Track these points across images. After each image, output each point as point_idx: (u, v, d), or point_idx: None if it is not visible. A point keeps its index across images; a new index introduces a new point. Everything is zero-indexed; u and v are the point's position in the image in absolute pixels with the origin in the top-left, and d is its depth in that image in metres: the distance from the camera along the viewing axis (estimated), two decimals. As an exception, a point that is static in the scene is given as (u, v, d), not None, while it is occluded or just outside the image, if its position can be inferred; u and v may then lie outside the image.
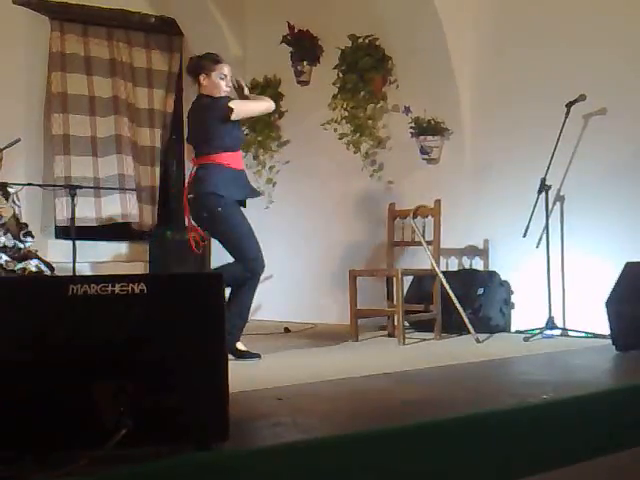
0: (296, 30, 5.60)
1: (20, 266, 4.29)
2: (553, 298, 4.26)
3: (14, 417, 1.67)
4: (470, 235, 4.84)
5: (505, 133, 4.70)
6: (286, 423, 2.18)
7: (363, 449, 1.82)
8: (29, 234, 4.57)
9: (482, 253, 4.82)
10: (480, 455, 1.94)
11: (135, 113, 6.27)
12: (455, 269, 4.89)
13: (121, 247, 6.41)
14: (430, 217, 4.53)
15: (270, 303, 5.92)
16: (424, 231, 4.53)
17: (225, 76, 3.77)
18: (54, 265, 4.59)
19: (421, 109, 4.89)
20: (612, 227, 4.21)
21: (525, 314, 4.56)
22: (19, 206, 4.65)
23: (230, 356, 3.51)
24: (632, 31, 4.19)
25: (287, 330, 5.00)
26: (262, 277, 5.96)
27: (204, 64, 3.77)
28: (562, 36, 4.44)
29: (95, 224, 5.98)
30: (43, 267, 4.44)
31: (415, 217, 4.56)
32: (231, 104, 3.62)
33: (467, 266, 4.89)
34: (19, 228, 4.50)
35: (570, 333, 4.24)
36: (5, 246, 4.41)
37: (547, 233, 4.32)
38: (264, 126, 5.90)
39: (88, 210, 5.91)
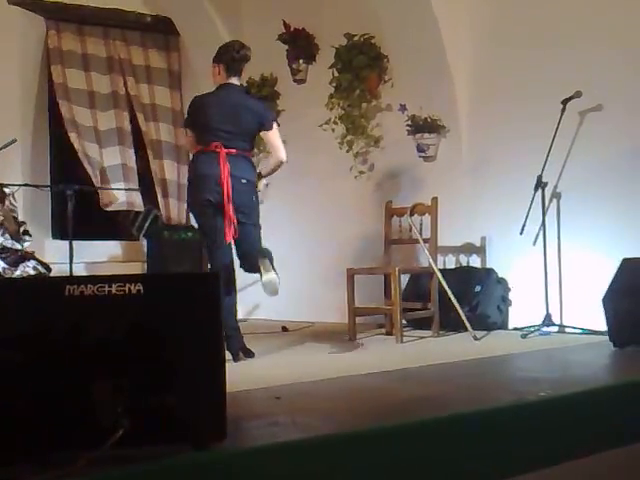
0: (292, 28, 5.59)
1: (18, 273, 4.29)
2: (550, 295, 4.27)
3: (12, 417, 1.67)
4: (467, 233, 4.84)
5: (501, 130, 4.70)
6: (284, 422, 2.18)
7: (361, 447, 1.82)
8: (27, 233, 4.56)
9: (479, 250, 4.83)
10: (478, 452, 1.94)
11: (142, 107, 6.25)
12: (452, 267, 4.89)
13: (118, 247, 6.41)
14: (427, 215, 4.53)
15: (268, 302, 5.90)
16: (421, 229, 4.53)
17: None
18: (51, 266, 4.58)
19: (417, 107, 4.89)
20: (609, 223, 4.22)
21: (522, 311, 4.57)
22: (15, 207, 4.64)
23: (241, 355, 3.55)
24: (628, 28, 4.19)
25: (285, 329, 5.00)
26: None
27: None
28: (558, 33, 4.44)
29: (106, 208, 5.94)
30: (40, 268, 4.43)
31: (412, 215, 4.56)
32: (274, 125, 3.80)
33: (464, 264, 4.90)
34: (17, 227, 4.50)
35: (567, 330, 4.25)
36: (3, 247, 4.40)
37: (544, 230, 4.32)
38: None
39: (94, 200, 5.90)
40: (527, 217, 4.23)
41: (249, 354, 3.61)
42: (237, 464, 1.65)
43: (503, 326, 4.60)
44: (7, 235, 4.48)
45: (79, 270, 5.29)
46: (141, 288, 1.75)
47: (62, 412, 1.69)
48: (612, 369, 3.42)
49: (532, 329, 4.20)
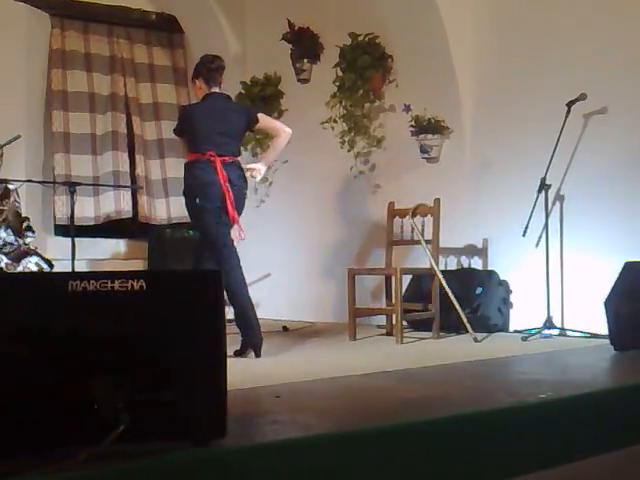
0: (296, 28, 5.59)
1: (20, 269, 4.29)
2: (552, 298, 4.27)
3: (13, 412, 1.67)
4: (469, 234, 4.84)
5: (505, 132, 4.70)
6: (284, 420, 2.18)
7: (361, 447, 1.82)
8: (30, 228, 4.57)
9: (481, 252, 4.83)
10: (478, 453, 1.95)
11: (138, 108, 6.27)
12: (454, 268, 4.89)
13: (120, 244, 6.41)
14: (429, 216, 4.54)
15: (268, 301, 5.92)
16: (423, 230, 4.53)
17: None
18: (53, 262, 4.58)
19: (421, 107, 4.90)
20: (611, 226, 4.22)
21: (523, 313, 4.57)
22: (19, 202, 4.65)
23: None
24: (633, 31, 4.19)
25: (285, 329, 5.01)
26: (261, 275, 6.02)
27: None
28: (563, 35, 4.44)
29: (93, 223, 5.99)
30: (43, 264, 4.44)
31: (414, 216, 4.56)
32: (259, 116, 4.00)
33: (466, 265, 4.90)
34: (20, 223, 4.51)
35: (568, 333, 4.24)
36: (5, 243, 4.41)
37: (546, 232, 4.32)
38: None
39: (87, 209, 5.92)
40: (530, 219, 4.22)
41: (258, 353, 3.69)
42: (237, 462, 1.66)
43: (504, 328, 4.60)
44: (10, 231, 4.49)
45: (81, 267, 5.29)
46: (143, 285, 1.75)
47: (63, 407, 1.69)
48: (612, 372, 3.41)
49: (533, 332, 4.20)
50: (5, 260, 4.30)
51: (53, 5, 6.02)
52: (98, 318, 1.74)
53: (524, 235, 4.24)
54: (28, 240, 4.51)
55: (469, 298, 4.48)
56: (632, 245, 4.06)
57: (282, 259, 5.89)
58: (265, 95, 5.90)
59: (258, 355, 3.65)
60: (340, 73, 5.30)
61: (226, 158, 3.78)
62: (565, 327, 4.30)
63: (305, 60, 5.65)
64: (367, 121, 5.25)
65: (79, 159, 6.02)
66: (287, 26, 5.60)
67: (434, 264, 4.36)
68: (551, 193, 4.35)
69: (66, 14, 6.06)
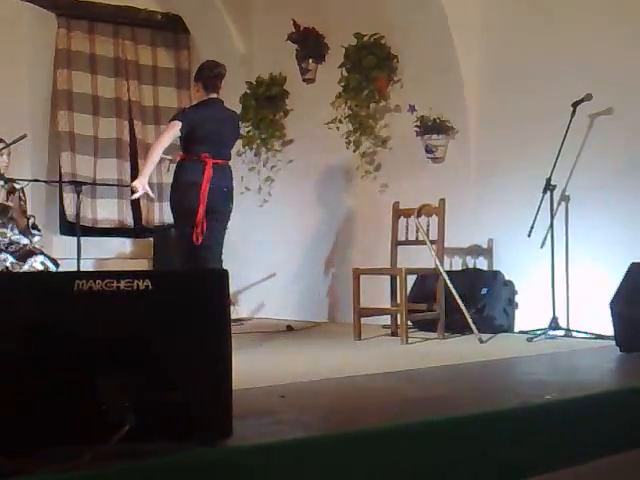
0: (302, 28, 5.59)
1: (26, 268, 4.30)
2: (557, 298, 4.26)
3: (19, 411, 1.68)
4: (474, 234, 4.84)
5: (511, 132, 4.69)
6: (289, 420, 2.18)
7: (365, 447, 1.82)
8: (36, 227, 4.59)
9: (486, 253, 4.82)
10: (483, 455, 1.94)
11: (140, 112, 6.28)
12: (459, 268, 4.89)
13: (125, 244, 6.43)
14: (434, 216, 4.53)
15: (273, 301, 5.93)
16: (428, 230, 4.53)
17: None
18: (59, 261, 4.59)
19: (426, 108, 4.89)
20: (617, 227, 4.20)
21: (529, 314, 4.56)
22: (25, 201, 4.66)
23: None
24: (639, 32, 4.18)
25: (290, 328, 5.01)
26: (266, 274, 6.02)
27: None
28: (569, 36, 4.43)
29: (90, 225, 6.01)
30: (48, 263, 4.45)
31: (419, 216, 4.56)
32: None
33: (471, 266, 4.89)
34: (26, 222, 4.52)
35: (574, 334, 4.23)
36: (11, 241, 4.42)
37: (552, 233, 4.31)
38: (269, 124, 5.91)
39: (83, 210, 5.94)
40: (535, 220, 4.22)
41: None
42: (242, 461, 1.66)
43: (509, 329, 4.59)
44: (16, 230, 4.50)
45: (87, 266, 5.31)
46: (149, 284, 1.75)
47: (69, 407, 1.70)
48: (618, 374, 3.41)
49: (538, 332, 4.19)
50: (10, 259, 4.31)
51: (59, 5, 6.04)
52: (104, 317, 1.75)
53: (529, 235, 4.23)
54: (35, 239, 4.53)
55: (474, 298, 4.47)
56: (638, 246, 4.04)
57: (287, 259, 5.89)
58: (270, 95, 5.90)
59: None
60: (345, 73, 5.30)
61: (219, 161, 4.02)
62: (571, 328, 4.29)
63: (310, 60, 5.65)
64: (372, 121, 5.24)
65: (83, 159, 6.04)
66: (293, 26, 5.60)
67: (439, 264, 4.35)
68: (556, 194, 4.34)
69: (72, 14, 6.08)
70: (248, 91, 5.99)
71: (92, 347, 1.72)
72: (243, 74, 6.02)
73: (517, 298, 4.68)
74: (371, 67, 5.15)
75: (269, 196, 5.99)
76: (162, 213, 6.28)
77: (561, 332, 4.24)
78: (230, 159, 4.18)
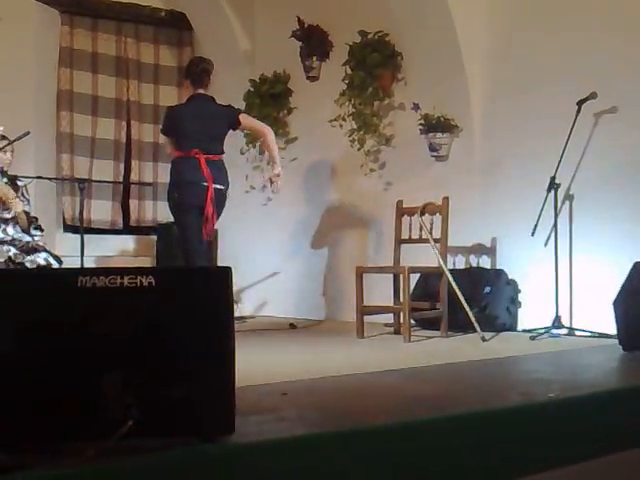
0: (306, 25, 5.59)
1: (29, 258, 4.31)
2: (560, 297, 4.25)
3: (21, 407, 1.68)
4: (478, 233, 4.83)
5: (515, 131, 4.68)
6: (291, 418, 2.18)
7: (367, 444, 1.82)
8: (38, 228, 4.59)
9: (490, 251, 4.81)
10: (486, 453, 1.94)
11: (139, 111, 6.28)
12: (462, 267, 4.88)
13: (128, 241, 6.44)
14: (438, 215, 4.52)
15: (276, 299, 5.93)
16: (432, 229, 4.52)
17: None
18: (62, 259, 4.60)
19: (430, 106, 4.88)
20: (621, 226, 4.20)
21: (532, 313, 4.55)
22: (28, 199, 4.67)
23: None
24: (644, 30, 4.17)
25: (293, 326, 5.01)
26: (269, 273, 6.02)
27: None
28: (574, 34, 4.42)
29: (85, 225, 6.02)
30: (52, 260, 4.46)
31: (423, 214, 4.55)
32: (241, 117, 4.39)
33: (474, 264, 4.89)
34: (29, 222, 4.53)
35: (577, 332, 4.23)
36: (14, 239, 4.43)
37: (555, 232, 4.30)
38: (272, 122, 5.90)
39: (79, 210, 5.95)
40: (539, 218, 4.21)
41: None
42: (244, 458, 1.66)
43: (512, 328, 4.59)
44: (18, 227, 4.51)
45: (89, 263, 5.32)
46: (153, 281, 1.75)
47: (71, 403, 1.70)
48: (621, 373, 3.40)
49: (541, 331, 4.19)
50: (14, 250, 4.32)
51: (63, 2, 6.04)
52: (107, 314, 1.75)
53: (533, 234, 4.22)
54: (36, 238, 4.54)
55: (477, 297, 4.46)
56: (642, 245, 4.04)
57: (290, 257, 5.89)
58: (274, 93, 5.90)
59: None
60: (349, 71, 5.29)
61: (210, 156, 4.08)
62: (574, 327, 4.28)
63: (314, 58, 5.65)
64: (376, 119, 5.24)
65: (81, 161, 6.06)
66: (297, 24, 5.59)
67: (442, 263, 4.35)
68: (560, 192, 4.33)
69: (76, 11, 6.08)
70: (252, 89, 5.99)
71: (95, 343, 1.72)
72: (247, 72, 6.02)
73: (520, 297, 4.67)
74: (375, 65, 5.15)
75: (272, 193, 5.99)
76: (156, 212, 6.28)
77: (564, 331, 4.23)
78: (222, 153, 4.22)
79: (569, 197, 4.44)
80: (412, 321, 4.37)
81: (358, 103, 5.25)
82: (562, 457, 2.01)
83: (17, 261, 4.26)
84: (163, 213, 6.11)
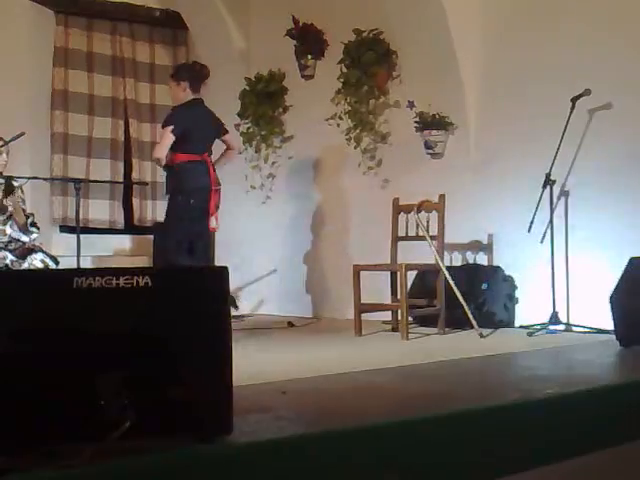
0: (301, 24, 5.58)
1: (25, 265, 4.31)
2: (557, 293, 4.26)
3: (17, 409, 1.68)
4: (474, 230, 4.84)
5: (510, 127, 4.69)
6: (289, 417, 2.18)
7: (365, 443, 1.82)
8: (35, 225, 4.59)
9: (486, 248, 4.82)
10: (484, 449, 1.95)
11: (136, 110, 6.27)
12: (459, 264, 4.89)
13: (124, 241, 6.42)
14: (434, 212, 4.53)
15: (274, 297, 5.93)
16: (428, 226, 4.52)
17: None
18: (58, 259, 4.59)
19: (425, 103, 4.88)
20: (616, 222, 4.20)
21: (529, 309, 4.56)
22: (23, 199, 4.66)
23: None
24: (638, 26, 4.17)
25: (291, 324, 5.01)
26: (267, 270, 6.02)
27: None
28: (567, 31, 4.42)
29: (82, 225, 6.02)
30: (48, 261, 4.46)
31: (419, 212, 4.55)
32: (227, 129, 4.62)
33: (471, 261, 4.89)
34: (25, 219, 4.52)
35: (574, 328, 4.23)
36: (11, 239, 4.43)
37: (551, 228, 4.31)
38: (268, 121, 5.90)
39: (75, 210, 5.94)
40: (535, 215, 4.21)
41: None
42: (243, 457, 1.66)
43: (509, 324, 4.59)
44: (15, 227, 4.50)
45: (86, 263, 5.31)
46: (149, 281, 1.75)
47: (68, 404, 1.70)
48: (618, 368, 3.41)
49: (539, 327, 4.19)
50: (10, 257, 4.31)
51: (57, 2, 6.02)
52: (103, 314, 1.74)
53: (529, 231, 4.23)
54: (33, 236, 4.53)
55: (474, 294, 4.47)
56: (637, 240, 4.04)
57: (287, 255, 5.89)
58: (269, 91, 5.89)
59: None
60: (345, 69, 5.28)
61: (211, 159, 4.28)
62: (571, 322, 4.29)
63: (309, 56, 5.64)
64: (372, 117, 5.24)
65: (77, 160, 6.04)
66: (291, 22, 5.58)
67: (439, 260, 4.35)
68: (556, 188, 4.34)
69: (70, 11, 6.07)
70: (247, 87, 5.98)
71: (92, 344, 1.72)
72: (242, 70, 6.01)
73: (517, 293, 4.68)
74: (370, 63, 5.14)
75: (270, 192, 5.99)
76: (155, 211, 6.28)
77: (561, 327, 4.24)
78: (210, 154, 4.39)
79: (564, 193, 4.45)
80: (410, 318, 4.37)
81: (354, 101, 5.25)
82: (560, 452, 2.01)
83: (14, 269, 4.25)
84: (162, 213, 6.10)
